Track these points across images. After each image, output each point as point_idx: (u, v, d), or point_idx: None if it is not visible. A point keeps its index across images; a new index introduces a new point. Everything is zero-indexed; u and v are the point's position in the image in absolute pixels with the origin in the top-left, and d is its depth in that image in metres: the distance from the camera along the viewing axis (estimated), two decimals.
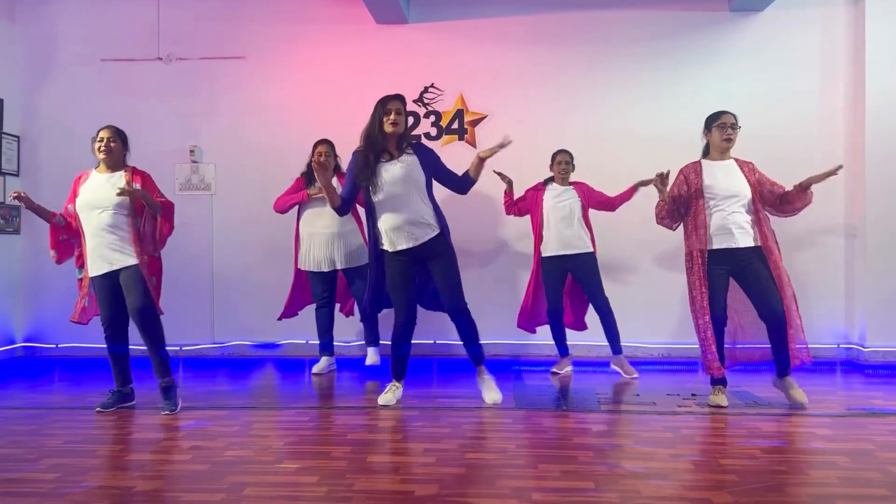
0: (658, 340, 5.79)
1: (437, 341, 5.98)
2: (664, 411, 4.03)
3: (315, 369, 5.26)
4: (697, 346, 5.57)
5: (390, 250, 4.14)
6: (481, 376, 4.33)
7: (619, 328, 5.09)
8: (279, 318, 5.43)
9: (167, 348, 4.24)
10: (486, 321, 5.87)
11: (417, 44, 6.02)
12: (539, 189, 5.19)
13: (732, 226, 4.05)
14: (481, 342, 4.31)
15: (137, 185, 4.08)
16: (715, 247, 4.08)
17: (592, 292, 5.06)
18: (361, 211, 5.18)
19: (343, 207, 4.26)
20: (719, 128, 4.16)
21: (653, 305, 5.74)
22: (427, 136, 6.02)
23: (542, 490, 2.79)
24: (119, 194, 4.01)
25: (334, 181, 5.24)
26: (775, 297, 3.99)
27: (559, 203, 5.09)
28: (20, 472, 3.07)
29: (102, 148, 4.12)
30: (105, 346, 4.28)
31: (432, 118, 6.02)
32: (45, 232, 6.11)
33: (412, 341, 4.29)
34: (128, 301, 4.09)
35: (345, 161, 5.41)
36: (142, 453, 3.37)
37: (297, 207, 5.28)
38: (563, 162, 5.14)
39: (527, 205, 5.21)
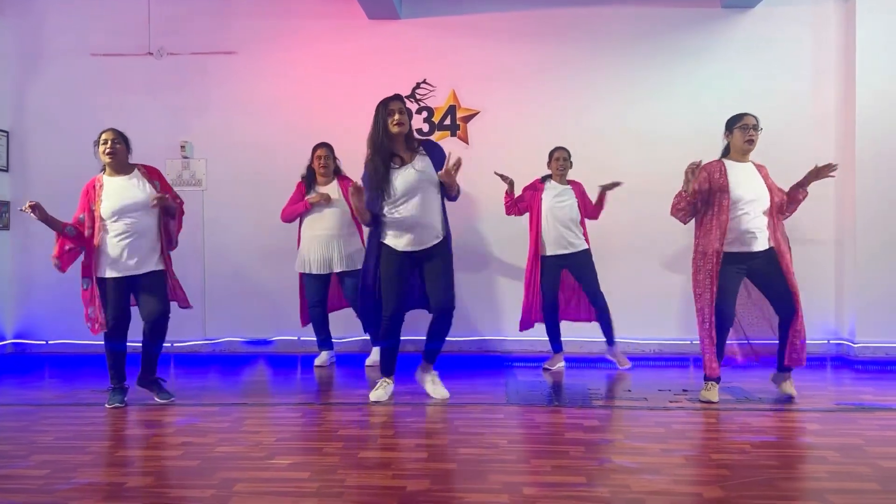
0: (650, 336, 5.81)
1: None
2: (656, 407, 4.04)
3: (317, 362, 5.35)
4: (688, 342, 5.71)
5: (391, 246, 4.11)
6: (431, 373, 4.34)
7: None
8: (303, 325, 5.53)
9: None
10: (484, 318, 5.90)
11: (409, 40, 6.00)
12: (538, 188, 5.18)
13: (756, 230, 4.05)
14: (449, 340, 4.35)
15: (157, 186, 4.19)
16: (734, 250, 4.06)
17: (589, 288, 5.12)
18: None
19: (374, 221, 4.13)
20: (741, 129, 4.15)
21: (645, 302, 5.74)
22: (419, 131, 6.00)
23: (534, 485, 2.79)
24: (154, 206, 4.09)
25: (334, 185, 5.29)
26: (787, 295, 4.08)
27: (559, 203, 5.10)
28: (10, 469, 3.05)
29: (108, 150, 4.14)
30: (102, 343, 4.26)
31: (424, 114, 6.01)
32: (36, 228, 6.11)
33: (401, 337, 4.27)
34: (149, 305, 4.16)
35: (344, 164, 5.43)
36: (132, 449, 3.36)
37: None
38: (560, 159, 5.14)
39: (525, 203, 5.20)
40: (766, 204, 4.10)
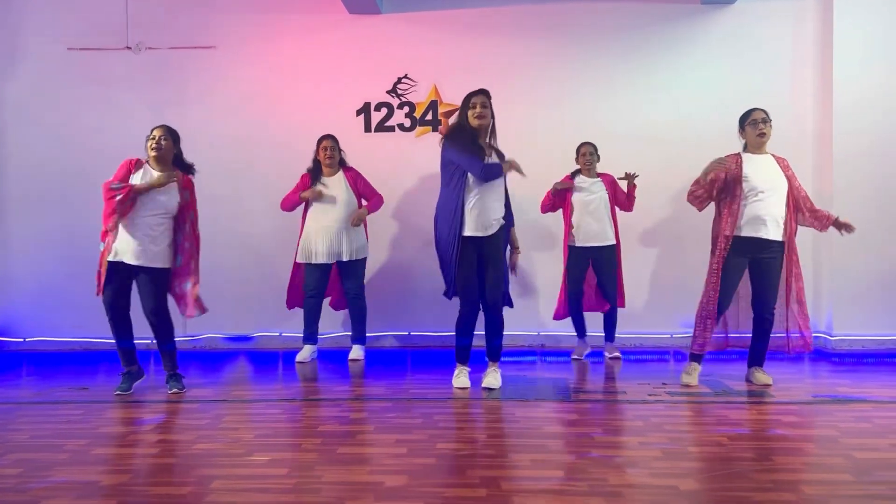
0: (629, 330, 5.82)
1: (412, 333, 5.97)
2: (634, 400, 4.06)
3: (299, 358, 5.30)
4: (668, 335, 5.76)
5: (467, 234, 4.22)
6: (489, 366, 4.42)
7: (591, 319, 5.37)
8: (289, 308, 5.51)
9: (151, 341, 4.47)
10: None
11: (391, 34, 5.98)
12: (570, 182, 5.22)
13: (767, 217, 4.21)
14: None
15: (186, 196, 4.34)
16: (744, 234, 4.21)
17: (607, 282, 5.23)
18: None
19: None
20: (752, 125, 4.30)
21: (625, 291, 5.77)
22: (401, 126, 5.99)
23: (511, 479, 2.80)
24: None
25: (339, 176, 5.31)
26: (773, 294, 4.26)
27: (589, 196, 5.17)
28: None
29: (154, 146, 4.24)
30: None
31: (406, 109, 5.99)
32: (11, 225, 6.05)
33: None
34: (147, 300, 4.27)
35: (348, 155, 5.42)
36: (109, 447, 3.33)
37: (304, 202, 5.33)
38: (587, 153, 5.20)
39: (560, 199, 5.25)
40: (783, 193, 4.24)
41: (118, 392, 4.31)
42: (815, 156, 5.79)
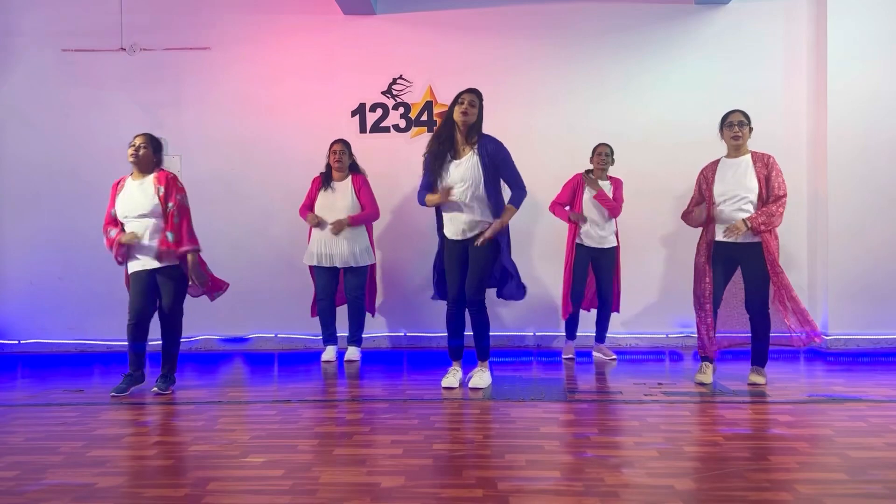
0: (626, 331, 5.85)
1: (408, 333, 5.97)
2: (631, 400, 4.07)
3: (324, 357, 5.36)
4: (664, 336, 5.78)
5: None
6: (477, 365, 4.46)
7: (587, 319, 5.39)
8: (312, 316, 5.54)
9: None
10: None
11: (385, 35, 5.98)
12: (580, 181, 5.22)
13: (732, 221, 4.28)
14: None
15: (160, 191, 4.30)
16: (717, 239, 4.35)
17: (603, 282, 5.25)
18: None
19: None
20: (728, 127, 4.38)
21: (622, 297, 5.78)
22: (396, 127, 5.99)
23: (508, 479, 2.80)
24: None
25: (348, 181, 5.34)
26: (762, 293, 4.29)
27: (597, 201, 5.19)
28: None
29: (132, 153, 4.32)
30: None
31: (401, 110, 5.99)
32: (5, 227, 6.03)
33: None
34: (164, 300, 4.37)
35: (320, 158, 5.41)
36: (105, 449, 3.32)
37: (311, 203, 5.36)
38: (603, 154, 5.21)
39: (567, 199, 5.25)
40: (750, 197, 4.28)
41: (114, 392, 4.31)
42: (809, 156, 5.81)
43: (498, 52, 5.94)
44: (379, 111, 5.99)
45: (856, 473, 2.83)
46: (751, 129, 4.41)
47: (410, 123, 6.00)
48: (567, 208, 5.26)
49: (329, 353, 5.38)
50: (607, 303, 5.28)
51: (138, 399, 4.28)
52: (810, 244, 5.81)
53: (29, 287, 6.05)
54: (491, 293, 4.47)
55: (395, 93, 6.00)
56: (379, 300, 5.84)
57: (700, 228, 4.52)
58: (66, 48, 6.05)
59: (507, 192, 4.43)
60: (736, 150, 4.38)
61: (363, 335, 5.47)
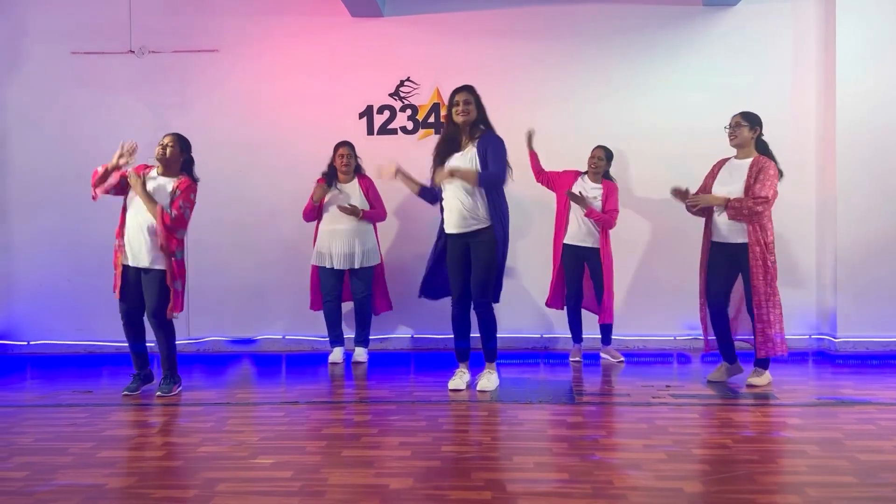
0: (633, 333, 5.82)
1: (415, 335, 5.97)
2: (638, 402, 4.06)
3: (331, 359, 5.38)
4: (671, 338, 5.77)
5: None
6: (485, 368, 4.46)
7: (588, 321, 5.41)
8: (314, 310, 5.54)
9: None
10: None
11: (393, 37, 5.99)
12: (573, 178, 5.25)
13: (721, 224, 4.37)
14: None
15: (176, 195, 4.33)
16: (716, 240, 4.44)
17: (595, 287, 5.26)
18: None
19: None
20: (725, 128, 4.45)
21: (628, 298, 5.77)
22: (403, 129, 5.99)
23: (516, 481, 2.80)
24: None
25: (354, 183, 5.38)
26: (750, 295, 4.33)
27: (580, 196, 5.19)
28: None
29: (159, 152, 4.36)
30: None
31: (409, 112, 6.00)
32: (14, 228, 6.06)
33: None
34: (147, 302, 4.34)
35: (325, 161, 5.43)
36: (114, 450, 3.33)
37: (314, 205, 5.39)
38: (595, 157, 5.22)
39: (557, 185, 5.28)
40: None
41: (126, 392, 4.35)
42: (818, 156, 5.79)
43: (504, 53, 5.93)
44: (386, 113, 6.00)
45: (865, 476, 2.82)
46: (754, 131, 4.39)
47: (418, 125, 6.00)
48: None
49: (336, 355, 5.40)
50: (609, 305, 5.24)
51: (147, 400, 4.29)
52: (819, 246, 5.79)
53: (37, 288, 6.08)
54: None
55: (402, 95, 6.01)
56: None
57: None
58: (75, 51, 6.07)
59: (510, 197, 4.48)
60: (739, 151, 4.41)
61: (370, 336, 5.48)
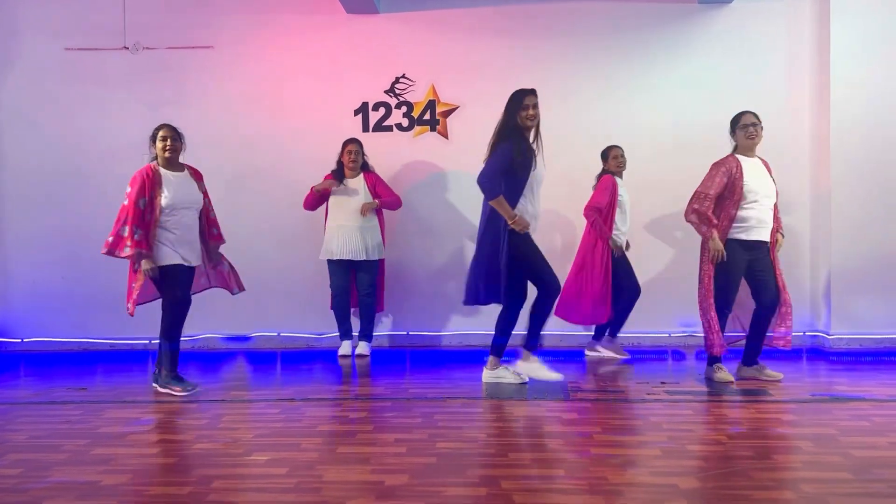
0: (628, 330, 5.82)
1: (410, 332, 5.97)
2: (633, 399, 4.07)
3: (341, 352, 5.47)
4: (666, 335, 5.77)
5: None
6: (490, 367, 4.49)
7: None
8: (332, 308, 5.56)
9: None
10: (464, 311, 5.88)
11: (388, 34, 5.98)
12: (613, 187, 5.18)
13: (762, 221, 4.36)
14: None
15: (201, 188, 4.46)
16: (752, 238, 4.34)
17: (623, 282, 5.28)
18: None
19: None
20: (742, 129, 4.41)
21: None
22: (399, 126, 5.99)
23: (511, 478, 2.80)
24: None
25: (360, 179, 5.43)
26: (774, 289, 4.38)
27: (626, 196, 5.24)
28: None
29: (168, 148, 4.30)
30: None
31: (404, 109, 5.99)
32: (8, 226, 6.03)
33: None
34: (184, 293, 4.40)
35: (324, 159, 5.43)
36: (108, 447, 3.32)
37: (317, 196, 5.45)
38: (618, 156, 5.24)
39: (606, 202, 5.18)
40: (774, 198, 4.41)
41: (188, 391, 4.26)
42: (812, 154, 5.81)
43: (500, 51, 5.94)
44: (382, 110, 5.99)
45: (860, 472, 2.82)
46: (762, 129, 4.45)
47: (413, 122, 6.00)
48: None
49: (346, 349, 5.49)
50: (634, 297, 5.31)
51: (142, 397, 4.28)
52: (813, 243, 5.81)
53: (32, 286, 6.06)
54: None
55: (397, 92, 6.00)
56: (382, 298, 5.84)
57: (703, 229, 4.42)
58: (70, 47, 6.05)
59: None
60: (749, 150, 4.43)
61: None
